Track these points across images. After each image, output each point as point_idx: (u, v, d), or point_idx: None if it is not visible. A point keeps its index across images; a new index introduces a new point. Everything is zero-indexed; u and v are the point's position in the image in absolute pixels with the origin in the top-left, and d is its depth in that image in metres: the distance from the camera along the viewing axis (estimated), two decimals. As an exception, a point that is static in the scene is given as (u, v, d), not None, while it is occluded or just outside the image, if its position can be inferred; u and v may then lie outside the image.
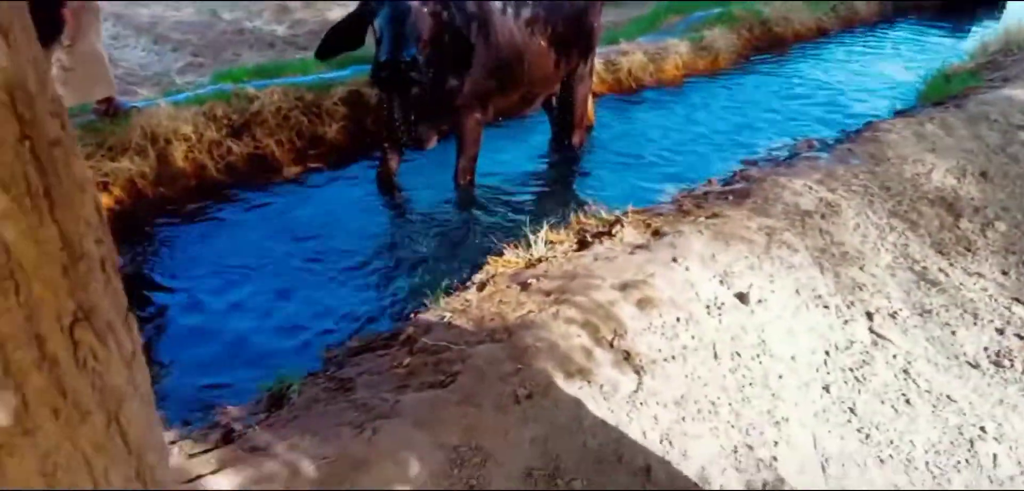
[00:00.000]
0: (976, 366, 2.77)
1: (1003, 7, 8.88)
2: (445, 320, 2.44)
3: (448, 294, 2.69)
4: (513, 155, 4.44)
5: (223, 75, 4.43)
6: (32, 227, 0.80)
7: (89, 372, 0.93)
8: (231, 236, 3.46)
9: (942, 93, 5.09)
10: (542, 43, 3.96)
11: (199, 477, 1.78)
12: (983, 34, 6.82)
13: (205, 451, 1.92)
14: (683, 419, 2.13)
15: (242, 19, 7.37)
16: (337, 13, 7.61)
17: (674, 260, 2.72)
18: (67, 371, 0.89)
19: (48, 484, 0.90)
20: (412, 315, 2.60)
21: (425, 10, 3.27)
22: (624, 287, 2.53)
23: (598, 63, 5.32)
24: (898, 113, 4.79)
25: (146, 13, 7.01)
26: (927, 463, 2.32)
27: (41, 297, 0.83)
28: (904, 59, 6.67)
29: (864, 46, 7.03)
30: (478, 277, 2.82)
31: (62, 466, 0.91)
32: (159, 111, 3.73)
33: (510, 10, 3.82)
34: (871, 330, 2.77)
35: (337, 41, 3.53)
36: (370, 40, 3.49)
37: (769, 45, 6.69)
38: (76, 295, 0.88)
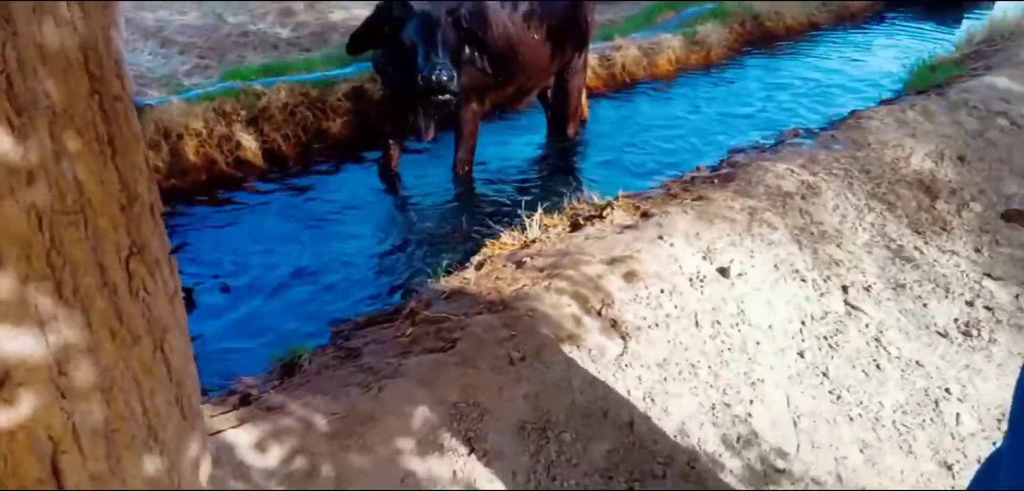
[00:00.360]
0: (945, 335, 2.94)
1: (991, 2, 9.02)
2: (445, 295, 2.62)
3: (448, 273, 2.87)
4: (510, 146, 4.62)
5: (231, 73, 4.62)
6: (98, 169, 0.96)
7: (140, 301, 1.09)
8: (240, 224, 3.64)
9: (927, 82, 5.26)
10: (537, 37, 4.13)
11: (220, 432, 1.96)
12: (971, 26, 6.98)
13: (224, 412, 2.10)
14: (665, 380, 2.30)
15: (246, 22, 7.55)
16: (338, 15, 7.81)
17: (660, 238, 2.89)
18: (123, 298, 1.05)
19: (106, 398, 1.06)
20: (414, 292, 2.77)
21: (449, 21, 3.44)
22: (612, 262, 2.70)
23: (593, 58, 5.49)
24: (883, 102, 4.95)
25: (152, 17, 7.19)
26: (894, 421, 2.49)
27: (105, 230, 0.99)
28: (894, 52, 6.83)
29: (855, 40, 7.19)
30: (476, 258, 2.99)
31: (117, 383, 1.07)
32: (171, 107, 3.91)
33: (507, 5, 4.00)
34: (846, 302, 2.93)
35: (367, 37, 3.69)
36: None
37: (761, 40, 6.86)
38: (131, 232, 1.05)
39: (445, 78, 3.30)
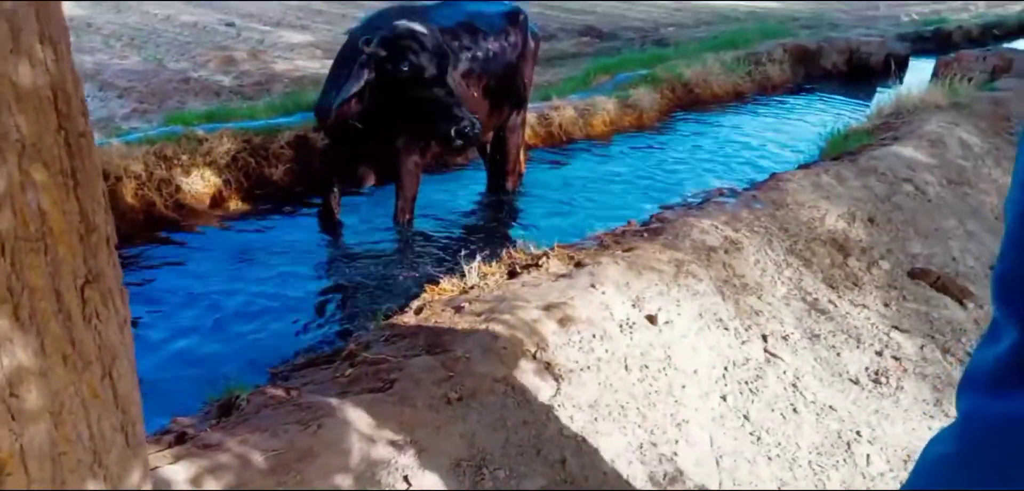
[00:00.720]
0: (856, 382, 3.15)
1: (902, 76, 9.80)
2: (384, 338, 2.68)
3: (387, 317, 2.93)
4: (451, 197, 4.75)
5: (175, 118, 4.62)
6: (61, 199, 1.03)
7: (93, 328, 1.15)
8: (179, 266, 3.62)
9: (840, 149, 5.66)
10: (476, 95, 4.30)
11: (155, 468, 1.95)
12: (880, 99, 7.55)
13: (160, 450, 2.09)
14: (595, 420, 2.41)
15: (188, 69, 7.54)
16: (281, 66, 7.88)
17: (592, 286, 3.03)
18: (77, 324, 1.11)
19: (55, 421, 1.09)
20: (354, 334, 2.82)
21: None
22: (547, 308, 2.82)
23: (532, 117, 5.71)
24: (800, 166, 5.31)
25: (90, 60, 7.11)
26: (809, 462, 2.66)
27: (63, 258, 1.05)
28: (811, 120, 7.32)
29: (775, 108, 7.68)
30: (415, 302, 3.06)
31: (66, 407, 1.11)
32: (111, 150, 3.89)
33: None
34: (765, 350, 3.12)
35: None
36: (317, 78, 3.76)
37: (690, 104, 7.26)
38: (88, 261, 1.10)
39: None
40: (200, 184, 4.16)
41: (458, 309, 2.86)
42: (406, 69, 3.55)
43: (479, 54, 3.70)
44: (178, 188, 4.05)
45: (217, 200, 4.20)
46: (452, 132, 3.58)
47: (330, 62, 4.00)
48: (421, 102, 3.58)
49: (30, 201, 0.99)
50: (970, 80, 7.52)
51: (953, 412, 0.97)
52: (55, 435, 1.10)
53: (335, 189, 4.11)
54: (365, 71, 3.51)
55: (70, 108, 1.03)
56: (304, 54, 8.53)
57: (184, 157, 4.15)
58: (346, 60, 3.76)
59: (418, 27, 3.60)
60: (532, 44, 4.77)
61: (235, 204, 4.28)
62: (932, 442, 0.98)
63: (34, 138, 0.98)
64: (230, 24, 10.39)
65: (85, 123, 1.08)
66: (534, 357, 2.55)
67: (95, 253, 1.13)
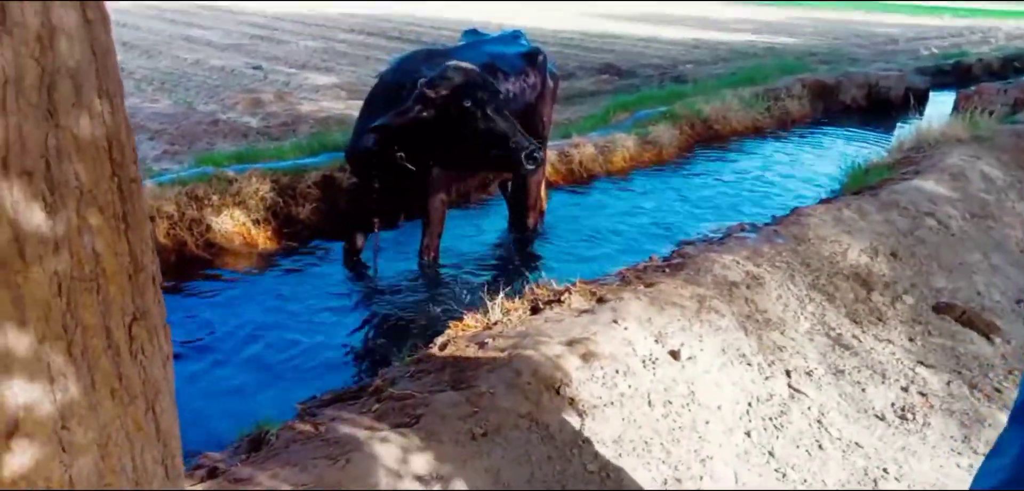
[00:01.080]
0: (882, 418, 3.13)
1: (922, 110, 9.77)
2: (410, 374, 2.72)
3: (413, 353, 2.97)
4: (473, 234, 4.81)
5: (205, 159, 4.76)
6: (114, 241, 1.09)
7: (139, 363, 1.20)
8: (209, 304, 3.70)
9: (861, 183, 5.65)
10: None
11: (188, 503, 2.00)
12: (901, 133, 7.53)
13: (192, 485, 2.14)
14: (620, 455, 2.42)
15: (216, 111, 7.75)
16: (307, 107, 8.06)
17: (615, 321, 3.05)
18: (124, 360, 1.16)
19: (102, 453, 1.14)
20: (380, 370, 2.86)
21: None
22: (570, 344, 2.85)
23: (552, 155, 5.78)
24: (821, 201, 5.31)
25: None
26: (835, 498, 2.64)
27: (114, 297, 1.11)
28: (831, 155, 7.32)
29: (795, 143, 7.69)
30: (440, 338, 3.10)
31: (114, 439, 1.16)
32: (144, 190, 4.00)
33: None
34: (789, 385, 3.12)
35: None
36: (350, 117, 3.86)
37: (709, 140, 7.31)
38: (136, 299, 1.16)
39: (542, 152, 3.79)
40: (230, 224, 4.26)
41: (482, 344, 2.89)
42: (469, 104, 3.70)
43: (501, 95, 3.83)
44: (209, 227, 4.16)
45: (246, 239, 4.30)
46: (522, 157, 3.76)
47: (354, 102, 4.12)
48: (487, 133, 3.76)
49: (86, 244, 1.05)
50: (991, 113, 7.49)
51: (982, 449, 0.98)
52: (102, 467, 1.15)
53: (360, 229, 4.19)
54: (418, 107, 3.63)
55: (124, 156, 1.10)
56: (329, 95, 8.73)
57: (214, 197, 4.26)
58: (378, 102, 3.86)
59: (470, 66, 3.77)
60: (551, 84, 4.85)
61: (264, 243, 4.38)
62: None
63: (91, 185, 1.05)
64: (257, 67, 10.66)
65: (135, 169, 1.15)
66: (558, 392, 2.57)
67: (143, 292, 1.19)
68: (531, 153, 3.74)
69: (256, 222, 4.35)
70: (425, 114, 3.65)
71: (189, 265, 4.01)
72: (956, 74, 13.36)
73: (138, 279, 1.17)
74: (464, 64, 3.80)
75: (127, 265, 1.14)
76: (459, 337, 3.07)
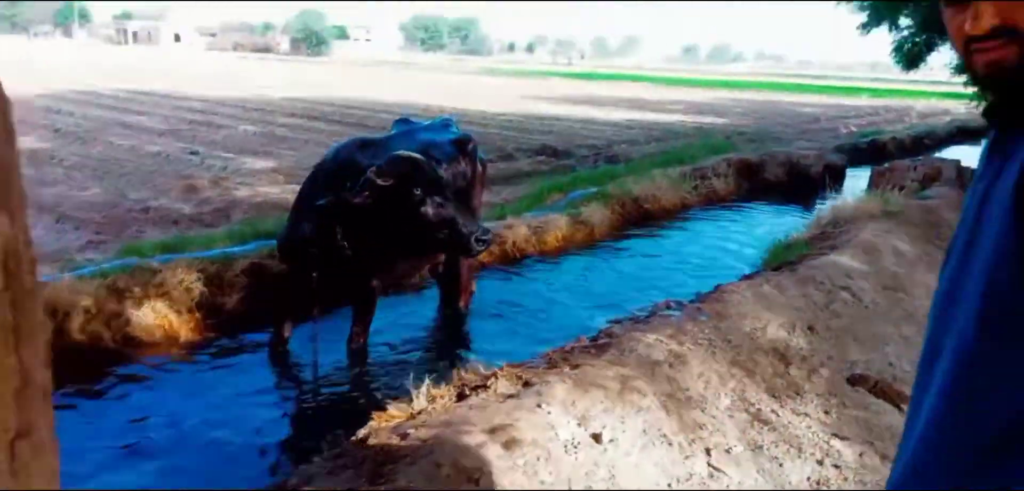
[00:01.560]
0: (798, 492, 3.22)
1: (840, 186, 10.32)
2: (327, 470, 2.68)
3: (333, 447, 2.94)
4: (403, 318, 4.81)
5: (130, 249, 4.67)
6: (2, 356, 1.09)
7: (21, 481, 1.18)
8: (122, 405, 3.58)
9: (781, 259, 5.91)
10: (430, 219, 4.45)
11: None
12: (820, 209, 7.94)
13: None
14: (538, 544, 2.42)
15: (148, 198, 7.62)
16: (243, 192, 8.01)
17: (539, 406, 3.09)
18: (3, 478, 1.15)
19: (-24, 579, 1.11)
20: (297, 467, 2.81)
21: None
22: (493, 431, 2.86)
23: (486, 237, 5.87)
24: (743, 277, 5.52)
25: (51, 193, 7.16)
26: (754, 575, 2.68)
27: (-3, 413, 1.10)
28: (755, 231, 7.65)
29: (721, 220, 8.01)
30: (362, 430, 3.08)
31: (-9, 565, 1.14)
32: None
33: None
34: (709, 464, 3.18)
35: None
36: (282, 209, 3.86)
37: (640, 219, 7.55)
38: (21, 415, 1.15)
39: (491, 234, 3.94)
40: (151, 316, 4.17)
41: (404, 436, 2.88)
42: (418, 192, 3.78)
43: (444, 181, 3.95)
44: (128, 321, 4.05)
45: (168, 331, 4.20)
46: (471, 240, 3.88)
47: (292, 187, 4.12)
48: (436, 218, 3.86)
49: (-30, 357, 1.05)
50: (903, 189, 7.98)
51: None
52: None
53: (288, 317, 4.16)
54: (366, 193, 3.68)
55: (19, 267, 1.11)
56: (266, 180, 8.69)
57: (136, 289, 4.17)
58: (315, 191, 3.89)
59: (418, 155, 3.86)
60: (480, 169, 4.98)
61: (187, 334, 4.28)
62: None
63: (-19, 298, 1.05)
64: (194, 152, 10.57)
65: (32, 280, 1.16)
66: (477, 483, 2.57)
67: (29, 407, 1.18)
68: (479, 236, 3.83)
69: (179, 313, 4.27)
70: (371, 201, 3.72)
71: (105, 361, 3.88)
72: (871, 151, 14.21)
73: (25, 394, 1.17)
74: (411, 153, 3.91)
75: (14, 379, 1.14)
76: (382, 428, 3.05)
